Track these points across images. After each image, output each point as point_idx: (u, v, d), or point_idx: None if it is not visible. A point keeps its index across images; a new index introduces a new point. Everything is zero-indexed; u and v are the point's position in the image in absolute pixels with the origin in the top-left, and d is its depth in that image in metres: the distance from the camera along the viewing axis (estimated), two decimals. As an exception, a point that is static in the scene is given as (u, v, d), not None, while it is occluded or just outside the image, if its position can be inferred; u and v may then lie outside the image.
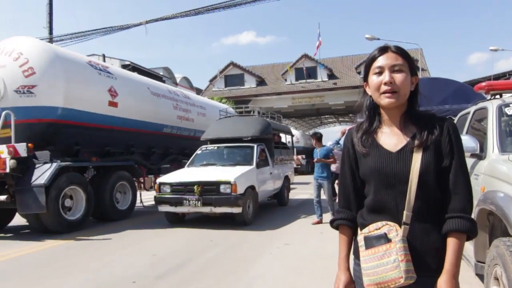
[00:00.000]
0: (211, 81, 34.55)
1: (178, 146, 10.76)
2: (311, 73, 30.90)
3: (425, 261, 1.25)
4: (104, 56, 27.69)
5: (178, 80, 51.67)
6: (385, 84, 1.29)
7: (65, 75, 7.27)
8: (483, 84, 3.80)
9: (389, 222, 1.27)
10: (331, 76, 31.18)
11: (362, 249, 1.29)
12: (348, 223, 1.43)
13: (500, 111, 3.17)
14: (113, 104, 8.33)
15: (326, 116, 45.66)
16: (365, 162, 1.36)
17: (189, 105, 11.59)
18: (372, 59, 1.34)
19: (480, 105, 3.63)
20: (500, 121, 3.11)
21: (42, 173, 6.48)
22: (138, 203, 9.24)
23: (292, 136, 12.40)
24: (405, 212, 1.26)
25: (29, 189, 6.33)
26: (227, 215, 7.00)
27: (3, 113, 6.59)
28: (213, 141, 9.11)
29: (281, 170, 9.54)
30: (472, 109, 3.87)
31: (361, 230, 1.36)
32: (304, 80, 30.84)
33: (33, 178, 6.45)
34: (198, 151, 8.84)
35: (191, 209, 6.92)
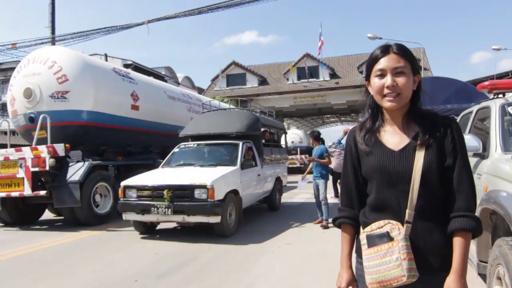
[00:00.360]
0: (213, 80, 34.57)
1: None
2: (313, 73, 30.87)
3: (427, 259, 1.25)
4: (106, 55, 27.72)
5: (180, 80, 51.58)
6: (387, 87, 1.29)
7: (94, 82, 8.00)
8: (486, 83, 3.79)
9: (391, 221, 1.27)
10: (333, 75, 31.14)
11: (364, 247, 1.29)
12: (350, 221, 1.43)
13: (503, 110, 3.16)
14: (135, 107, 9.15)
15: (328, 115, 45.62)
16: (368, 161, 1.36)
17: (200, 107, 12.27)
18: (374, 60, 1.34)
19: (483, 104, 3.62)
20: (503, 120, 3.10)
21: (76, 171, 7.24)
22: None
23: (285, 133, 11.49)
24: (407, 211, 1.26)
25: (65, 185, 7.07)
26: (203, 225, 5.97)
27: (41, 116, 7.31)
28: (194, 137, 8.12)
29: (271, 171, 8.61)
30: (474, 108, 3.86)
31: (363, 228, 1.36)
32: (306, 80, 30.80)
33: (68, 175, 7.18)
34: (176, 149, 7.73)
35: (161, 217, 5.84)
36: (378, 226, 1.28)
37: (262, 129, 8.59)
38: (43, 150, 7.02)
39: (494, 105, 3.27)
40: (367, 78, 1.39)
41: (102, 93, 8.12)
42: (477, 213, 1.68)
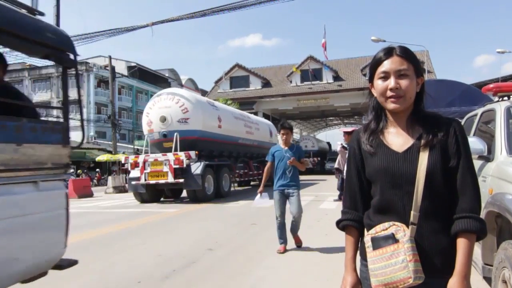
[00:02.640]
0: (216, 82, 34.65)
1: (245, 151, 16.71)
2: (317, 75, 30.89)
3: (433, 261, 1.24)
4: (110, 57, 27.88)
5: (183, 82, 51.70)
6: (391, 90, 1.29)
7: (202, 112, 12.92)
8: (491, 85, 3.78)
9: (396, 223, 1.26)
10: (337, 78, 31.15)
11: (369, 250, 1.28)
12: (354, 224, 1.42)
13: (509, 113, 3.14)
14: (219, 126, 13.94)
15: (331, 118, 45.62)
16: (372, 162, 1.35)
17: (250, 123, 17.13)
18: (378, 62, 1.34)
19: (488, 107, 3.61)
20: (508, 123, 3.08)
21: (197, 167, 11.72)
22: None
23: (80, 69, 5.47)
24: (412, 212, 1.25)
25: (192, 176, 11.55)
26: None
27: (175, 134, 12.02)
28: None
29: None
30: (479, 111, 3.84)
31: (367, 231, 1.35)
32: (309, 82, 30.81)
33: (192, 169, 11.66)
34: None
35: None
36: (382, 228, 1.27)
37: None
38: (181, 154, 11.48)
39: (499, 107, 3.25)
40: (371, 80, 1.39)
41: (206, 118, 12.97)
42: (482, 216, 1.68)
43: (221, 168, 13.41)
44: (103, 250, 5.62)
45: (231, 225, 7.37)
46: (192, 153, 11.49)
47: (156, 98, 12.82)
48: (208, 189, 12.24)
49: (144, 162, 11.90)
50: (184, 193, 13.80)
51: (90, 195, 16.79)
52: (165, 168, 11.53)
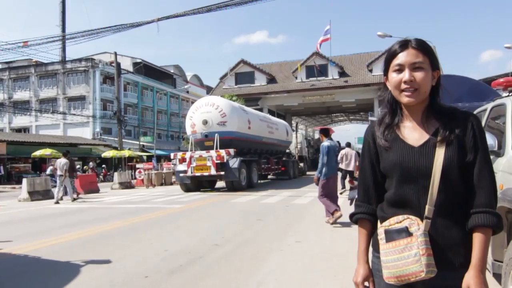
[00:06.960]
0: (221, 78, 34.60)
1: (267, 149, 19.38)
2: (322, 71, 30.71)
3: (446, 255, 1.23)
4: (116, 54, 27.96)
5: (188, 78, 51.65)
6: (405, 82, 1.28)
7: (237, 116, 15.31)
8: (501, 80, 3.73)
9: (410, 216, 1.26)
10: (342, 73, 30.97)
11: (382, 242, 1.28)
12: (367, 217, 1.42)
13: (519, 107, 3.10)
14: (249, 128, 16.29)
15: (337, 114, 45.45)
16: (387, 157, 1.35)
17: (271, 124, 19.70)
18: (393, 55, 1.32)
19: (498, 101, 3.57)
20: (519, 117, 3.04)
21: (234, 162, 14.06)
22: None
23: None
24: (427, 206, 1.24)
25: (230, 169, 13.96)
26: None
27: (216, 134, 14.40)
28: None
29: None
30: (489, 106, 3.80)
31: (381, 223, 1.35)
32: (314, 78, 30.67)
33: (230, 164, 14.03)
34: None
35: None
36: (396, 221, 1.27)
37: None
38: (222, 151, 13.92)
39: (510, 102, 3.21)
40: (385, 73, 1.37)
41: (240, 121, 15.37)
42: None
43: (251, 163, 16.00)
44: (109, 245, 5.66)
45: (237, 221, 7.39)
46: (231, 151, 13.96)
47: (197, 104, 15.45)
48: (242, 180, 14.57)
49: (191, 157, 14.39)
50: (218, 184, 16.84)
51: (97, 191, 16.89)
52: (208, 163, 14.03)
